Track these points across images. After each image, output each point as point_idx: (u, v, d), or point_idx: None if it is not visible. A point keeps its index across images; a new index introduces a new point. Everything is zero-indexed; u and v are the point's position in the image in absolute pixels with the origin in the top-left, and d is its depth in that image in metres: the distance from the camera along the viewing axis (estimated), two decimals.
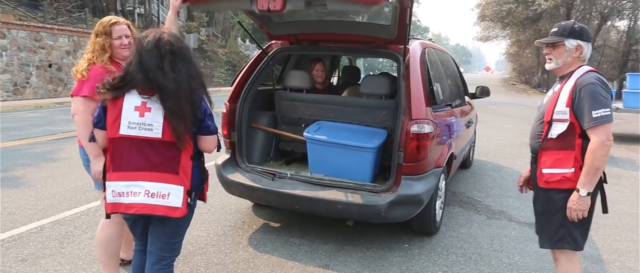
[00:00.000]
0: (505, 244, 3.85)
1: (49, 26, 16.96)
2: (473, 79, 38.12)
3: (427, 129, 3.34)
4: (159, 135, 2.03)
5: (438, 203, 3.90)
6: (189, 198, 2.10)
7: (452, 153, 4.10)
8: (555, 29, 2.44)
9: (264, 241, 3.73)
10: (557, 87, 2.45)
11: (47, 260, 3.27)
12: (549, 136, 2.41)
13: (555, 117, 2.38)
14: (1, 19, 14.92)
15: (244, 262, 3.35)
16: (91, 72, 2.55)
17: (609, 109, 2.21)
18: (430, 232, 3.90)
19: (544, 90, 29.32)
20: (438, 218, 3.98)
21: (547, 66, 2.50)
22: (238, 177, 3.74)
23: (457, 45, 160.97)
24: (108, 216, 2.21)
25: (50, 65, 16.43)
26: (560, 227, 2.40)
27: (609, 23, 30.55)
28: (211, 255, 3.44)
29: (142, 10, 27.71)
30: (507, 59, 51.63)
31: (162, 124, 2.01)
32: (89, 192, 4.86)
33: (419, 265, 3.40)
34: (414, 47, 3.70)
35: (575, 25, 2.39)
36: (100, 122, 2.12)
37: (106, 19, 2.72)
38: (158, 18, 28.89)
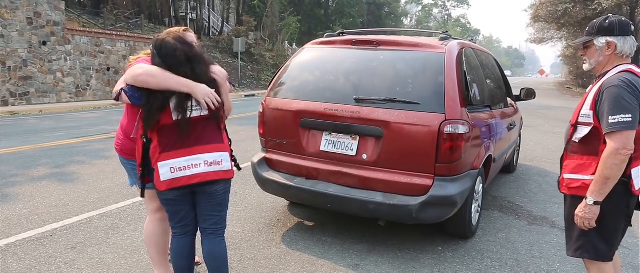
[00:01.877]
0: (545, 251, 3.70)
1: (108, 32, 17.98)
2: (526, 83, 36.70)
3: (461, 129, 3.28)
4: (207, 112, 2.38)
5: (474, 206, 3.81)
6: (233, 160, 2.54)
7: (490, 155, 3.99)
8: (587, 29, 2.33)
9: (297, 239, 3.79)
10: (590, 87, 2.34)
11: (94, 249, 3.49)
12: (574, 139, 2.31)
13: (580, 120, 2.28)
14: (67, 26, 15.98)
15: (276, 258, 3.43)
16: (137, 60, 2.71)
17: (630, 115, 2.04)
18: (466, 235, 3.82)
19: None
20: (474, 222, 3.88)
21: (584, 67, 2.40)
22: (273, 175, 3.83)
23: (509, 47, 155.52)
24: (142, 194, 2.55)
25: (108, 69, 17.40)
26: (581, 236, 2.29)
27: None
28: (245, 251, 3.54)
29: (194, 15, 28.81)
30: (563, 61, 49.26)
31: None
32: (135, 188, 5.12)
33: (451, 268, 3.34)
34: (451, 47, 3.65)
35: (606, 21, 2.25)
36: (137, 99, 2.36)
37: (178, 27, 2.90)
38: (209, 23, 29.92)
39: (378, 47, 3.75)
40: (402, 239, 3.81)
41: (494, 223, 4.31)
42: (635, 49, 2.29)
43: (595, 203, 2.15)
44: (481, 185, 3.95)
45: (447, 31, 4.09)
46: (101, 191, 5.00)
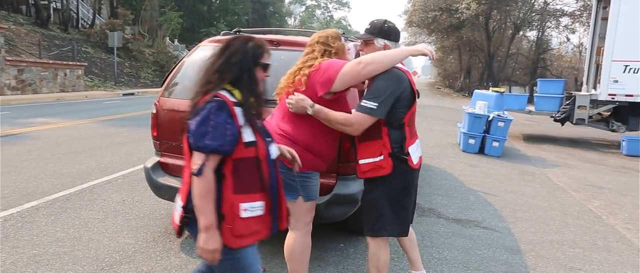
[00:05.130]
0: (435, 240, 4.02)
1: None
2: None
3: None
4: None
5: None
6: (181, 220, 1.86)
7: None
8: (368, 26, 2.63)
9: None
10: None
11: None
12: None
13: None
14: None
15: (175, 268, 3.21)
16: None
17: (375, 104, 2.34)
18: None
19: (467, 94, 31.19)
20: None
21: None
22: (169, 180, 3.59)
23: None
24: None
25: None
26: (380, 217, 2.54)
27: (521, 33, 33.19)
28: (139, 263, 3.26)
29: (59, 4, 25.78)
30: (432, 64, 54.19)
31: None
32: (4, 198, 4.43)
33: (354, 264, 3.45)
34: (350, 47, 3.75)
35: (385, 25, 2.58)
36: None
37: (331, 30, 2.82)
38: (77, 14, 27.05)
39: (278, 47, 3.71)
40: None
41: None
42: None
43: (312, 107, 2.44)
44: None
45: (344, 33, 4.22)
46: None
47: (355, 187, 3.38)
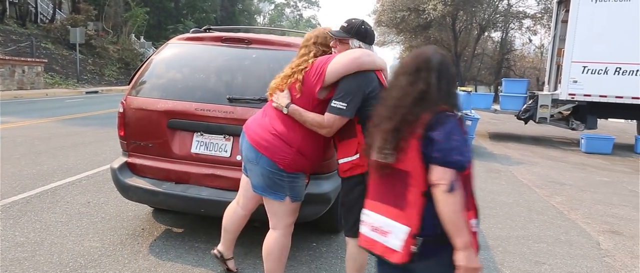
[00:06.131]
0: None
1: None
2: None
3: None
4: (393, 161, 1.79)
5: None
6: (413, 245, 1.70)
7: None
8: (345, 25, 2.57)
9: (166, 248, 3.52)
10: None
11: None
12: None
13: None
14: None
15: (144, 271, 3.14)
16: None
17: (344, 104, 2.36)
18: (337, 230, 3.99)
19: None
20: None
21: None
22: (137, 181, 3.50)
23: None
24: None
25: None
26: (358, 218, 2.57)
27: (486, 34, 34.09)
28: (106, 267, 3.16)
29: None
30: (400, 63, 54.94)
31: None
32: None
33: (327, 263, 3.46)
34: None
35: (362, 27, 2.54)
36: None
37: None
38: (36, 8, 25.99)
39: (249, 45, 3.67)
40: None
41: None
42: None
43: (287, 107, 2.48)
44: None
45: None
46: None
47: (327, 186, 3.39)
